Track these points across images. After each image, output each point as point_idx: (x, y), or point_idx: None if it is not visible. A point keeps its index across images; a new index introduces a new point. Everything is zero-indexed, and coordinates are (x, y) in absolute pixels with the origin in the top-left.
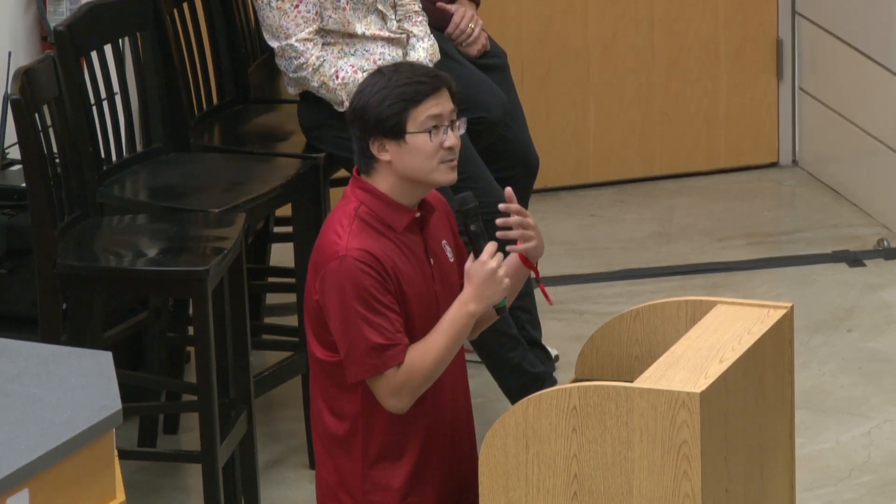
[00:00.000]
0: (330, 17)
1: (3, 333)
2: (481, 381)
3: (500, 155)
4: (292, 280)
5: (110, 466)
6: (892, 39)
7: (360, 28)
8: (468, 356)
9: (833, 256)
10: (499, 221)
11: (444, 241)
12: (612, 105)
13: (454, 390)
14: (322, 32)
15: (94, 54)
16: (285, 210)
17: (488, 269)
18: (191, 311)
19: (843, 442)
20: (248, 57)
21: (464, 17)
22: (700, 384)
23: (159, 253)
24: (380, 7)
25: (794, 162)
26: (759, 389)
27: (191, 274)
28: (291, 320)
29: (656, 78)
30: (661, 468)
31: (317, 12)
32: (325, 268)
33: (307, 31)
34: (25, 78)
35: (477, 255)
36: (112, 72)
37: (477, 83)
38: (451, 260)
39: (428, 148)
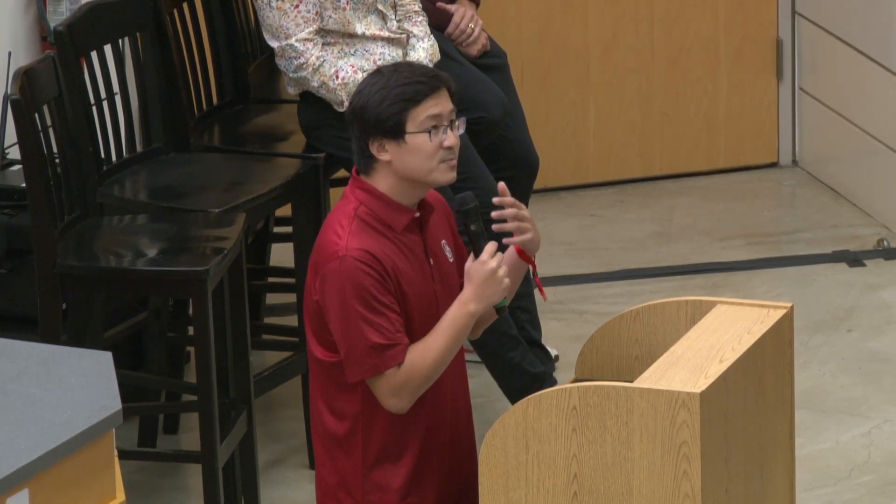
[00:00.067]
0: (330, 17)
1: (3, 333)
2: (481, 381)
3: (500, 155)
4: (292, 280)
5: (110, 466)
6: (892, 39)
7: (360, 28)
8: (468, 356)
9: (833, 256)
10: (494, 214)
11: (443, 241)
12: (612, 105)
13: (454, 390)
14: (322, 32)
15: (94, 54)
16: (285, 210)
17: (488, 268)
18: (191, 311)
19: (843, 442)
20: (248, 57)
21: (464, 17)
22: (700, 384)
23: (159, 253)
24: (380, 7)
25: (794, 162)
26: (759, 389)
27: (191, 274)
28: (291, 320)
29: (656, 78)
30: (661, 468)
31: (317, 12)
32: (324, 268)
33: (307, 31)
34: (25, 78)
35: (477, 255)
36: (112, 72)
37: (477, 83)
38: (451, 260)
39: (427, 148)
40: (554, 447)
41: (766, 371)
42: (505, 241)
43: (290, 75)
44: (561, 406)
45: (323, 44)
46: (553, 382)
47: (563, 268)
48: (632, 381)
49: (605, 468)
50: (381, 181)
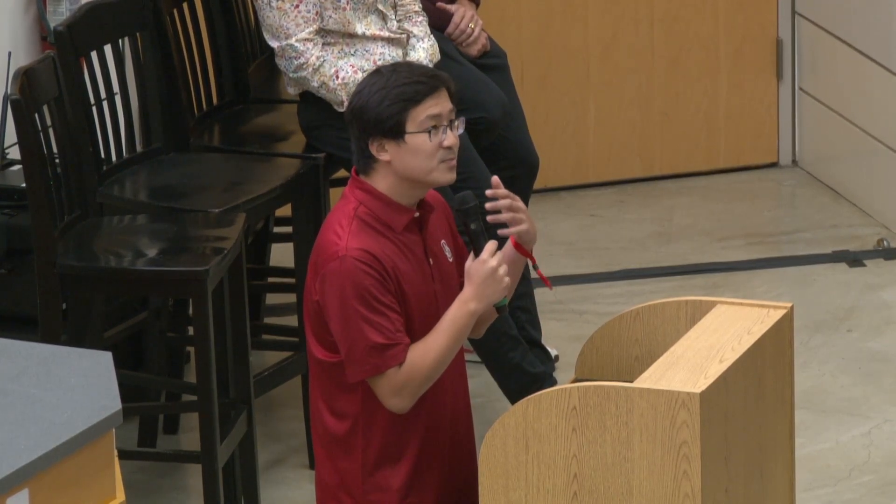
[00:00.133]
0: (330, 17)
1: (3, 333)
2: (481, 381)
3: (500, 155)
4: (292, 280)
5: (110, 466)
6: (892, 39)
7: (360, 28)
8: (468, 356)
9: (833, 256)
10: (488, 205)
11: (442, 241)
12: (612, 105)
13: (454, 391)
14: (322, 32)
15: (94, 54)
16: (285, 210)
17: (488, 267)
18: (191, 311)
19: (843, 442)
20: (248, 57)
21: (464, 17)
22: (700, 384)
23: (159, 253)
24: (380, 7)
25: (794, 162)
26: (759, 389)
27: (191, 274)
28: (291, 320)
29: (656, 78)
30: (661, 468)
31: (317, 12)
32: (324, 268)
33: (307, 31)
34: (25, 78)
35: (477, 254)
36: (112, 72)
37: (477, 83)
38: (451, 260)
39: (427, 148)
40: (554, 447)
41: (766, 371)
42: (500, 231)
43: (290, 75)
44: (561, 406)
45: (323, 44)
46: (553, 382)
47: (563, 268)
48: (632, 381)
49: (605, 468)
50: (381, 181)
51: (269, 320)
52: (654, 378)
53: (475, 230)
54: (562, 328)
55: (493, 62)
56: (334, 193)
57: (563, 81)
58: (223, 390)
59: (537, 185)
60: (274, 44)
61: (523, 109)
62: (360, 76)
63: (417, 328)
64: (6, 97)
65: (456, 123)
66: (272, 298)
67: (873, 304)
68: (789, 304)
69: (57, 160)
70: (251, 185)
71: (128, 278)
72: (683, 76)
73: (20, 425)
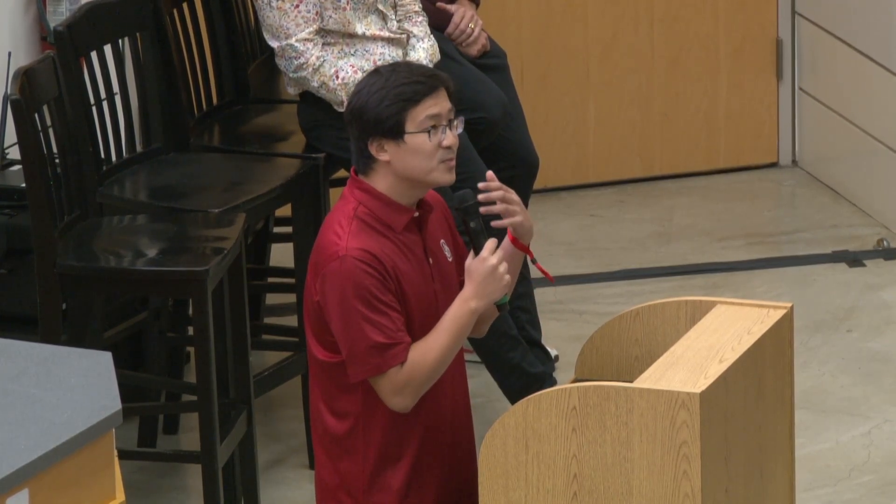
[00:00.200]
0: (330, 17)
1: (3, 333)
2: (481, 381)
3: (500, 155)
4: (292, 280)
5: (110, 466)
6: (892, 39)
7: (360, 28)
8: (468, 356)
9: (833, 256)
10: (481, 197)
11: (442, 241)
12: (612, 105)
13: (454, 391)
14: (322, 32)
15: (93, 54)
16: (285, 210)
17: (489, 265)
18: (191, 311)
19: (843, 442)
20: (248, 57)
21: (464, 17)
22: (700, 384)
23: (159, 253)
24: (380, 7)
25: (794, 162)
26: (759, 389)
27: (191, 274)
28: (291, 320)
29: (656, 78)
30: (661, 468)
31: (317, 12)
32: (325, 268)
33: (307, 31)
34: (25, 78)
35: (477, 252)
36: (112, 72)
37: (477, 83)
38: (450, 259)
39: (427, 147)
40: (554, 447)
41: (766, 371)
42: (493, 223)
43: (290, 75)
44: (561, 406)
45: (323, 44)
46: (553, 382)
47: (563, 268)
48: (632, 381)
49: (605, 468)
50: (380, 181)
51: (269, 320)
52: (654, 378)
53: (475, 228)
54: (562, 328)
55: (493, 62)
56: (334, 193)
57: (563, 81)
58: (223, 390)
59: (537, 185)
60: (274, 44)
61: (523, 109)
62: (359, 76)
63: (417, 328)
64: (6, 97)
65: (455, 123)
66: (272, 298)
67: (873, 304)
68: (789, 304)
69: (57, 160)
70: (251, 185)
71: (128, 278)
72: (683, 76)
73: (20, 425)
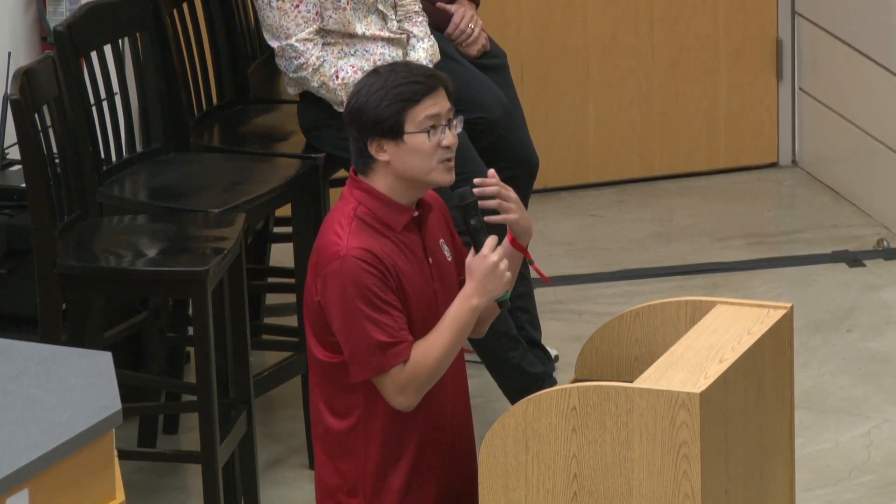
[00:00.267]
0: (330, 17)
1: (3, 333)
2: (481, 381)
3: (500, 155)
4: (292, 280)
5: (110, 466)
6: (892, 39)
7: (360, 28)
8: (468, 356)
9: (833, 256)
10: (477, 191)
11: (441, 241)
12: (612, 105)
13: (454, 391)
14: (322, 32)
15: (93, 54)
16: (285, 210)
17: (489, 262)
18: (191, 311)
19: (843, 442)
20: (248, 57)
21: (464, 18)
22: (700, 384)
23: (159, 253)
24: (380, 7)
25: (794, 162)
26: (759, 389)
27: (191, 274)
28: (291, 320)
29: (656, 78)
30: (661, 468)
31: (317, 12)
32: (325, 268)
33: (307, 31)
34: (25, 78)
35: (477, 250)
36: (112, 72)
37: (476, 83)
38: (449, 259)
39: (426, 147)
40: (554, 447)
41: (765, 371)
42: (489, 219)
43: (290, 75)
44: (561, 406)
45: (323, 44)
46: (553, 382)
47: (563, 268)
48: (632, 382)
49: (604, 468)
50: (380, 181)
51: (269, 320)
52: (653, 378)
53: (475, 226)
54: (562, 328)
55: (492, 62)
56: (334, 193)
57: (563, 81)
58: (223, 390)
59: (537, 185)
60: (274, 44)
61: (523, 109)
62: (359, 76)
63: (417, 328)
64: (6, 97)
65: (454, 123)
66: (272, 298)
67: (873, 304)
68: (789, 305)
69: (57, 160)
70: (251, 185)
71: (128, 278)
72: (683, 76)
73: (20, 425)
